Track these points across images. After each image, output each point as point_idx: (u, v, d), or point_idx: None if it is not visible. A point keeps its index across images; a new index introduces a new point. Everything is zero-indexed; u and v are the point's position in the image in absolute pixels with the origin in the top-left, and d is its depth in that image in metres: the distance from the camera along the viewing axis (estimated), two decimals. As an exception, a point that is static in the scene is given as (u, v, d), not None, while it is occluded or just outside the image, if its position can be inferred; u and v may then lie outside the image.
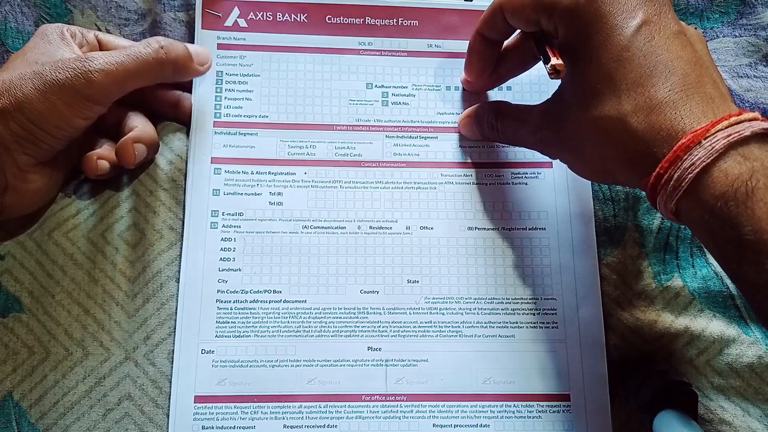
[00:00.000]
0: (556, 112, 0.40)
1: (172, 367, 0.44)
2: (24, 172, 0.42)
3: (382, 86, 0.50)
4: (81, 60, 0.40)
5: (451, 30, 0.51)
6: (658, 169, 0.33)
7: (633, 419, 0.44)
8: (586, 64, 0.36)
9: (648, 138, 0.33)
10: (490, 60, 0.46)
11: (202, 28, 0.50)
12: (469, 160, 0.49)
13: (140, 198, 0.47)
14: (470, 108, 0.48)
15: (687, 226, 0.35)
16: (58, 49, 0.42)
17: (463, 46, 0.49)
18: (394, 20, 0.51)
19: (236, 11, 0.50)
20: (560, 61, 0.37)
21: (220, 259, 0.46)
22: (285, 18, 0.51)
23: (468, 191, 0.48)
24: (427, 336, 0.45)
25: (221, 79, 0.49)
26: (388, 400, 0.44)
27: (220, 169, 0.48)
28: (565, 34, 0.37)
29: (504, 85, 0.50)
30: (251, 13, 0.50)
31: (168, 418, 0.43)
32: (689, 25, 0.38)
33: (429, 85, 0.51)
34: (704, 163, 0.31)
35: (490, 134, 0.46)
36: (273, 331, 0.45)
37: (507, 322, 0.46)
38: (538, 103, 0.42)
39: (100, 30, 0.49)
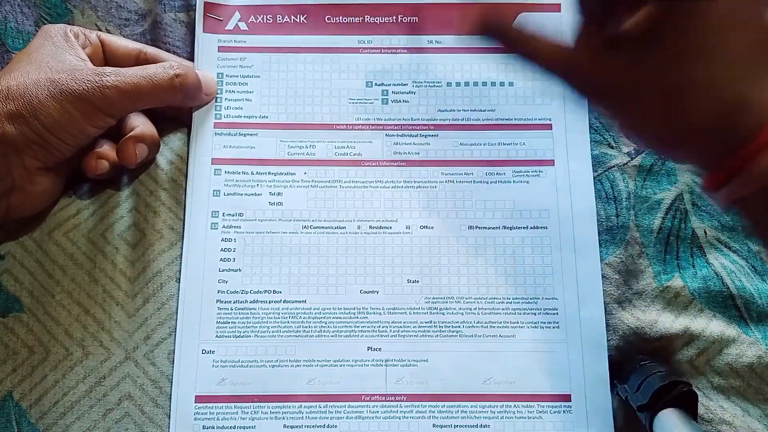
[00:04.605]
0: (643, 60, 0.34)
1: (172, 367, 0.44)
2: (31, 175, 0.42)
3: (382, 84, 0.50)
4: (98, 73, 0.41)
5: (451, 25, 0.51)
6: (749, 149, 0.31)
7: (633, 419, 0.44)
8: (694, 19, 0.32)
9: (746, 112, 0.31)
10: None
11: (203, 32, 0.50)
12: (470, 158, 0.49)
13: (140, 198, 0.47)
14: None
15: (743, 210, 0.33)
16: (63, 52, 0.43)
17: (463, 41, 0.49)
18: (394, 17, 0.51)
19: (237, 15, 0.50)
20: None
21: (221, 259, 0.46)
22: (285, 20, 0.51)
23: (469, 190, 0.48)
24: (427, 336, 0.45)
25: (221, 81, 0.49)
26: (387, 400, 0.44)
27: (221, 169, 0.48)
28: None
29: (506, 81, 0.50)
30: (252, 17, 0.51)
31: (168, 418, 0.43)
32: None
33: (429, 82, 0.50)
34: None
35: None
36: (273, 331, 0.45)
37: (507, 322, 0.46)
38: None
39: (100, 30, 0.49)
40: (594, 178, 0.48)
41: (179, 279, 0.45)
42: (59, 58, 0.42)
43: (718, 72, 0.32)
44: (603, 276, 0.46)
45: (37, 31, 0.45)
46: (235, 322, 0.45)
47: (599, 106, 0.38)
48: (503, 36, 0.38)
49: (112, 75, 0.42)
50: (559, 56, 0.36)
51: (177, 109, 0.48)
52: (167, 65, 0.44)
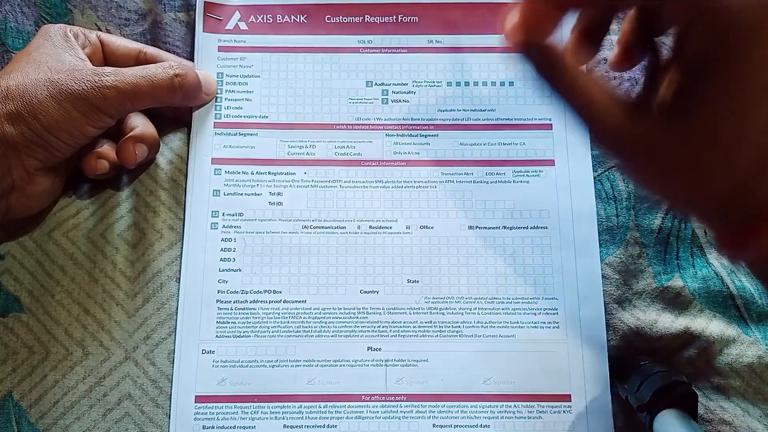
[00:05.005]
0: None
1: (172, 367, 0.44)
2: (30, 175, 0.42)
3: (382, 84, 0.50)
4: (97, 74, 0.41)
5: (452, 25, 0.51)
6: (757, 225, 0.29)
7: (633, 419, 0.44)
8: (737, 76, 0.28)
9: (760, 187, 0.28)
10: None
11: (203, 32, 0.50)
12: (470, 158, 0.49)
13: (140, 198, 0.47)
14: None
15: (755, 272, 0.32)
16: (63, 52, 0.43)
17: (464, 41, 0.49)
18: (394, 17, 0.51)
19: (237, 15, 0.50)
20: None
21: (221, 259, 0.46)
22: (285, 20, 0.51)
23: (469, 189, 0.48)
24: (427, 336, 0.45)
25: (221, 81, 0.49)
26: (387, 400, 0.44)
27: (221, 169, 0.48)
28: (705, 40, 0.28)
29: (506, 81, 0.50)
30: (252, 17, 0.50)
31: (168, 418, 0.43)
32: None
33: (429, 82, 0.50)
34: None
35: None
36: (273, 331, 0.45)
37: (508, 322, 0.46)
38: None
39: (100, 30, 0.49)
40: (594, 178, 0.48)
41: (179, 279, 0.45)
42: (59, 58, 0.42)
43: (737, 148, 0.28)
44: (603, 276, 0.46)
45: (36, 31, 0.45)
46: (235, 322, 0.45)
47: (629, 166, 0.33)
48: (545, 66, 0.31)
49: (112, 75, 0.42)
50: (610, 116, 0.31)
51: (177, 109, 0.48)
52: (167, 65, 0.45)
